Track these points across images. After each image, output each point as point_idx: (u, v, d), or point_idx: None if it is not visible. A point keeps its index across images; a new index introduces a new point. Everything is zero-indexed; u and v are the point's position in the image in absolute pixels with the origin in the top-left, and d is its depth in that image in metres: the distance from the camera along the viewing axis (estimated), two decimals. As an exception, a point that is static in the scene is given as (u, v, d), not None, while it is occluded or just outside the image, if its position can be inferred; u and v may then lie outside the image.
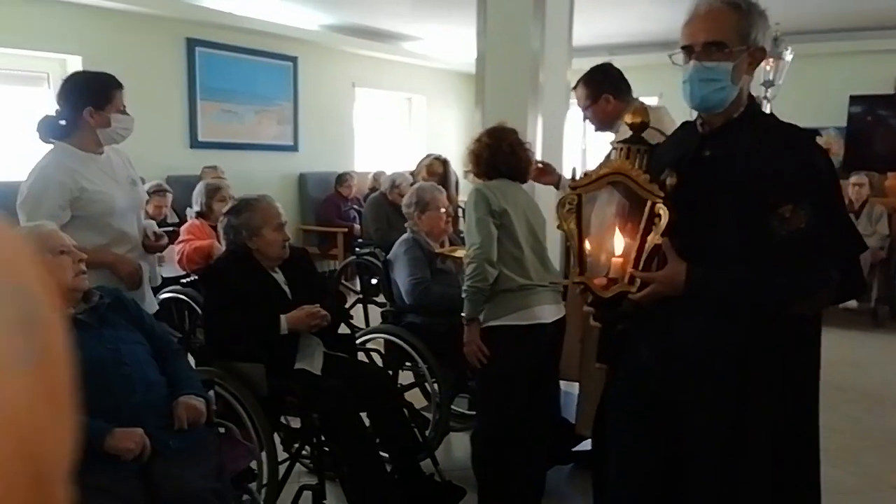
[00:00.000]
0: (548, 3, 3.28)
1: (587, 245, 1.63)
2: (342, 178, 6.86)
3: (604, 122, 2.69)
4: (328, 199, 6.77)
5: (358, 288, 4.92)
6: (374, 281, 4.45)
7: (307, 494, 2.41)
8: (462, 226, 3.34)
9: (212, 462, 1.81)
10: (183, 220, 4.56)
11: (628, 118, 1.60)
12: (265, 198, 2.71)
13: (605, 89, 2.64)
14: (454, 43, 7.82)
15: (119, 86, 2.40)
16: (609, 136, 2.67)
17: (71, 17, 5.02)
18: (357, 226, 6.50)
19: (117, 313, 1.95)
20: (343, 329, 2.91)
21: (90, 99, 2.27)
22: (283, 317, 2.43)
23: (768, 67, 5.14)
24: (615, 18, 6.32)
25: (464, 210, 2.90)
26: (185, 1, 5.59)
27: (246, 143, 6.30)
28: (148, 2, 5.33)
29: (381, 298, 4.16)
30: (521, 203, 2.49)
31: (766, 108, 4.53)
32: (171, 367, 1.96)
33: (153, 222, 2.64)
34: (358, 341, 2.95)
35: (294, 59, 6.74)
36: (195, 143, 5.88)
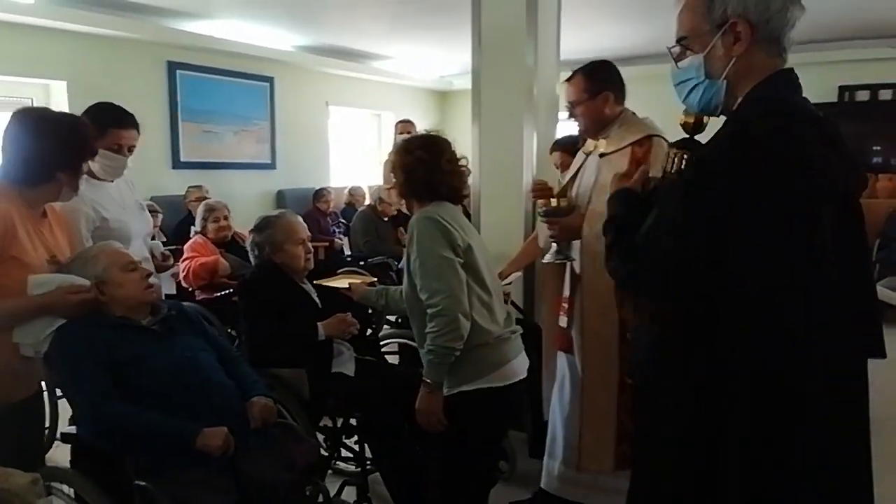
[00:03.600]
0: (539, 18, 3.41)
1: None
2: (320, 194, 6.98)
3: (596, 123, 2.35)
4: (307, 215, 6.84)
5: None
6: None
7: (349, 490, 2.57)
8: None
9: (285, 457, 1.94)
10: (170, 241, 4.65)
11: (682, 118, 1.42)
12: (285, 214, 2.86)
13: (607, 86, 2.32)
14: (421, 61, 8.07)
15: (116, 124, 2.41)
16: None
17: (54, 42, 5.05)
18: (338, 240, 6.63)
19: (183, 323, 2.08)
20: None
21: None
22: (319, 324, 2.58)
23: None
24: (600, 34, 6.59)
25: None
26: (166, 26, 5.67)
27: (226, 163, 6.39)
28: (129, 26, 5.39)
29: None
30: (473, 233, 2.13)
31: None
32: (236, 371, 2.09)
33: (159, 243, 2.73)
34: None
35: (270, 80, 6.87)
36: (177, 164, 5.94)
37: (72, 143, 1.91)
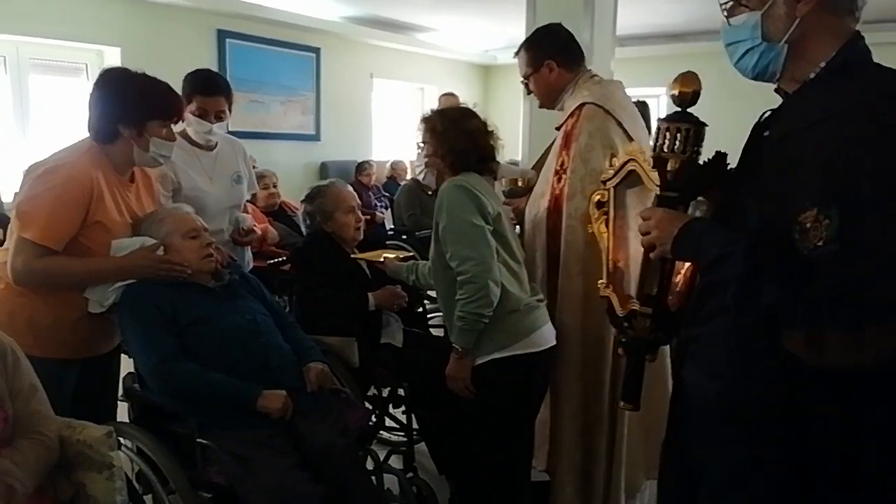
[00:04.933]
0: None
1: (611, 253, 1.40)
2: (362, 167, 7.00)
3: (546, 96, 2.25)
4: (350, 188, 6.91)
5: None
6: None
7: (395, 458, 2.60)
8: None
9: (339, 422, 1.97)
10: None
11: (674, 87, 1.27)
12: (335, 183, 2.88)
13: (549, 54, 2.18)
14: (466, 34, 7.98)
15: (200, 90, 2.41)
16: (551, 119, 2.28)
17: (109, 8, 5.12)
18: (379, 213, 6.65)
19: (244, 287, 2.11)
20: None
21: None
22: (370, 294, 2.60)
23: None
24: (656, 8, 6.31)
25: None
26: (216, -7, 5.71)
27: (272, 133, 6.43)
28: (181, -6, 5.44)
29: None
30: (501, 203, 2.11)
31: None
32: (293, 336, 2.12)
33: (247, 217, 2.64)
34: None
35: (317, 51, 6.88)
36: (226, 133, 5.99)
37: (129, 96, 1.92)
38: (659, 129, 1.27)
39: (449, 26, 7.63)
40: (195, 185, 2.44)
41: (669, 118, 1.26)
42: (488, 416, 2.01)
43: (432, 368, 2.53)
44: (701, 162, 1.28)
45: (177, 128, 2.10)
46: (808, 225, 0.99)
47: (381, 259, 2.66)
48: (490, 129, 2.09)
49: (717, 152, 1.29)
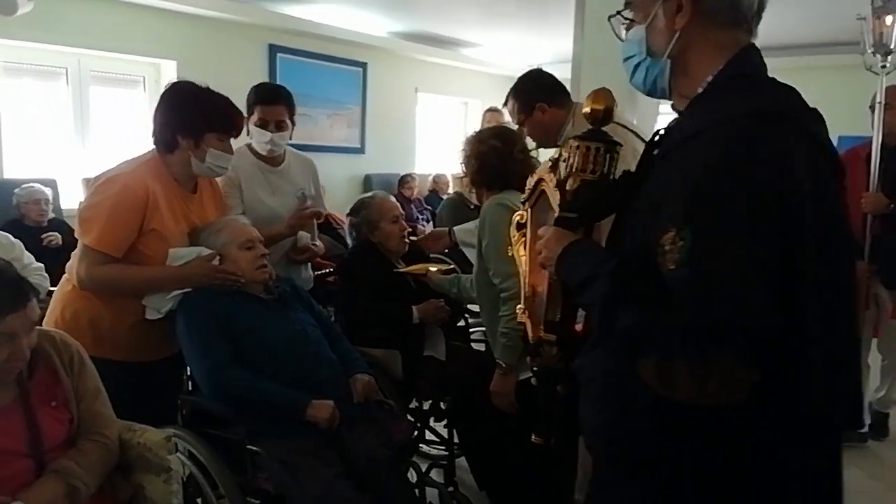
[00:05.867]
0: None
1: (528, 277, 1.35)
2: (405, 180, 7.08)
3: (544, 137, 2.33)
4: (393, 200, 6.99)
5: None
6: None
7: (436, 472, 2.62)
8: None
9: (384, 433, 1.99)
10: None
11: (586, 105, 1.20)
12: (378, 194, 2.94)
13: (537, 97, 2.28)
14: (511, 49, 8.02)
15: (259, 100, 2.46)
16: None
17: (166, 23, 5.30)
18: (420, 226, 6.70)
19: (294, 298, 2.16)
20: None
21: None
22: (414, 308, 2.63)
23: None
24: None
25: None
26: (269, 9, 5.85)
27: (318, 146, 6.54)
28: (236, 9, 5.59)
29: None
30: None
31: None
32: (340, 347, 2.16)
33: (304, 235, 2.64)
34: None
35: (364, 65, 6.99)
36: (273, 145, 6.12)
37: (189, 108, 2.01)
38: (570, 147, 1.19)
39: (493, 42, 7.68)
40: (255, 197, 2.50)
41: (580, 136, 1.18)
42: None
43: (474, 383, 2.54)
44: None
45: (242, 140, 2.18)
46: (667, 247, 0.93)
47: (425, 272, 2.70)
48: (529, 150, 2.20)
49: (625, 172, 1.19)
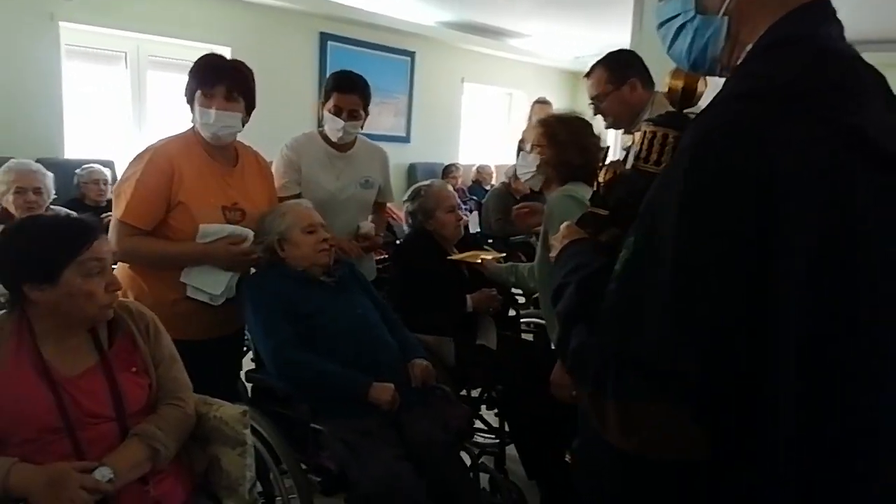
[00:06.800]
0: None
1: None
2: (449, 170, 7.09)
3: (622, 116, 2.27)
4: (436, 190, 7.02)
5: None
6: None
7: (486, 459, 2.64)
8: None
9: (440, 417, 2.02)
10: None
11: (667, 80, 1.02)
12: (435, 183, 2.97)
13: (633, 72, 2.21)
14: (558, 40, 7.95)
15: (335, 87, 2.46)
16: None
17: (221, 10, 5.40)
18: (464, 216, 6.70)
19: (353, 282, 2.20)
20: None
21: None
22: (468, 296, 2.65)
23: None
24: None
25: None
26: (321, -4, 5.93)
27: (365, 134, 6.57)
28: (288, -3, 5.67)
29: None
30: None
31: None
32: (398, 332, 2.19)
33: (366, 223, 2.63)
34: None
35: (412, 54, 7.02)
36: (321, 132, 6.21)
37: (189, 73, 2.05)
38: (642, 133, 1.02)
39: (541, 33, 7.62)
40: (314, 180, 2.53)
41: (654, 120, 1.00)
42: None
43: (526, 372, 2.56)
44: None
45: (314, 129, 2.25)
46: (621, 255, 0.80)
47: (479, 260, 2.71)
48: (604, 146, 2.09)
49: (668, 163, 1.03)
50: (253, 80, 2.10)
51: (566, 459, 1.19)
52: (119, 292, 1.49)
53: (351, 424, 1.84)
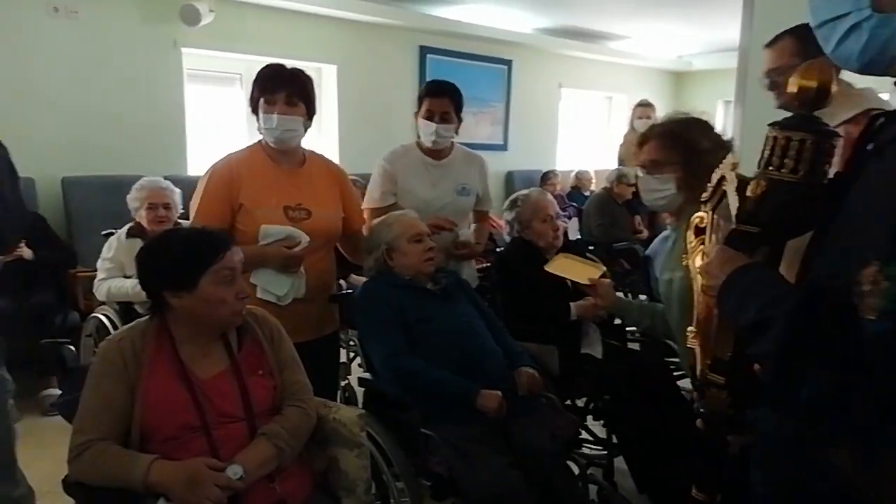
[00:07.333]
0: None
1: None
2: (547, 177, 7.04)
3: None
4: (534, 197, 6.99)
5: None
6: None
7: (594, 470, 2.60)
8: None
9: (547, 426, 2.02)
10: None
11: (793, 83, 0.96)
12: (534, 192, 2.96)
13: (820, 51, 1.98)
14: (659, 40, 7.73)
15: (426, 92, 2.57)
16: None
17: (327, 29, 5.63)
18: (563, 223, 6.63)
19: (459, 291, 2.24)
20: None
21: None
22: (572, 304, 2.63)
23: None
24: None
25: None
26: (420, 12, 6.05)
27: (464, 143, 6.66)
28: (389, 13, 5.83)
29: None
30: None
31: None
32: (503, 340, 2.21)
33: (464, 231, 2.67)
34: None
35: (509, 63, 7.04)
36: (421, 143, 6.35)
37: (256, 80, 2.13)
38: (767, 138, 0.93)
39: (641, 34, 7.44)
40: (409, 188, 2.59)
41: (782, 124, 0.93)
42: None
43: (633, 383, 2.50)
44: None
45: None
46: (866, 286, 0.68)
47: (587, 281, 2.56)
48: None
49: (836, 174, 0.93)
50: (312, 87, 2.18)
51: (693, 495, 1.12)
52: (248, 299, 1.59)
53: (459, 431, 1.87)
